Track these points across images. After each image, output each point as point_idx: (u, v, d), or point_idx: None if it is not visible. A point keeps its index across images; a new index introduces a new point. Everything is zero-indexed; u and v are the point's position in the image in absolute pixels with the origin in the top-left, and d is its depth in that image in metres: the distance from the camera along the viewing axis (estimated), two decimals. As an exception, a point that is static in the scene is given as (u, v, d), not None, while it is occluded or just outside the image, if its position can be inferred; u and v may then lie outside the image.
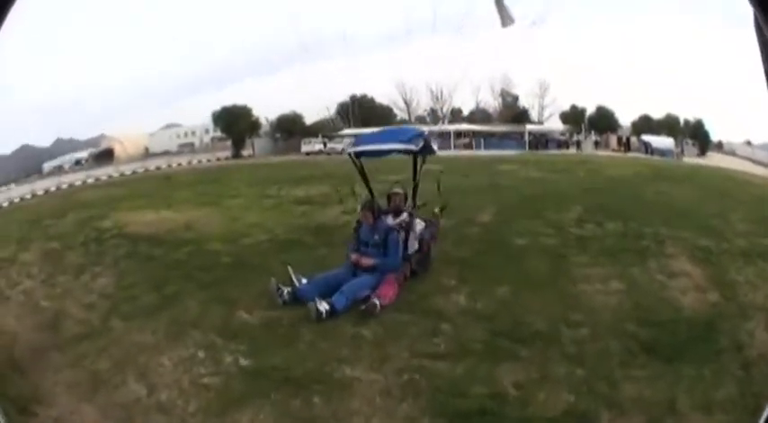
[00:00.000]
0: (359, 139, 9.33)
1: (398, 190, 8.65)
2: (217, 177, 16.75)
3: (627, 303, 7.49)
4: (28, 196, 16.21)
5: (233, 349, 6.35)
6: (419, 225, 8.34)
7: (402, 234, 8.03)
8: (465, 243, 9.60)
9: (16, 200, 15.90)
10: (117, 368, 6.18)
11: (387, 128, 9.42)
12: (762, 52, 2.99)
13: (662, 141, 16.78)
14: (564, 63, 16.02)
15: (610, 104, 17.68)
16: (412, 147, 8.52)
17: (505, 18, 10.20)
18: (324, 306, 6.83)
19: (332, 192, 11.00)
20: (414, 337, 6.41)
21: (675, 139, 16.70)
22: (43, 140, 16.95)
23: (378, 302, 6.92)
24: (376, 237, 7.89)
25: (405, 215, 8.33)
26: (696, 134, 16.51)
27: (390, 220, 8.23)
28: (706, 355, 6.19)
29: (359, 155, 8.95)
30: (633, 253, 9.15)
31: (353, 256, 7.85)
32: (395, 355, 6.04)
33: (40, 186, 16.57)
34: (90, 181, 17.24)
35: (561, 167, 16.11)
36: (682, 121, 16.56)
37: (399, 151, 8.80)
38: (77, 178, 17.08)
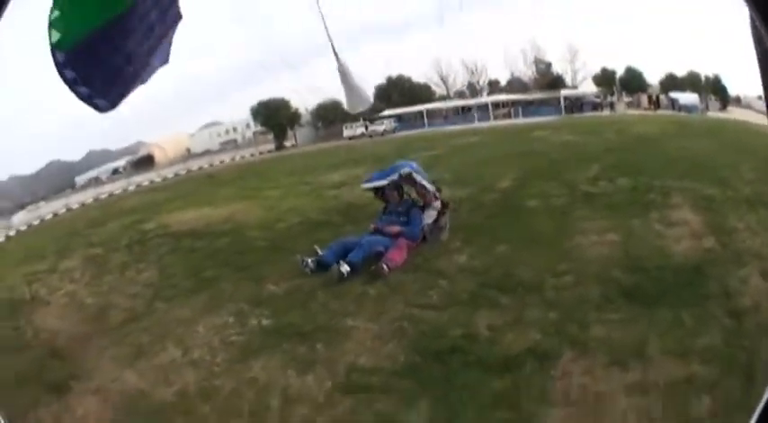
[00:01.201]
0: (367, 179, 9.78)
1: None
2: (258, 171, 17.64)
3: (618, 252, 7.72)
4: (62, 211, 16.33)
5: (258, 314, 7.23)
6: (435, 205, 9.08)
7: (420, 210, 9.00)
8: (480, 209, 10.30)
9: (48, 216, 16.13)
10: (157, 340, 7.06)
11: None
12: (758, 55, 3.27)
13: (688, 98, 16.79)
14: (590, 26, 16.08)
15: (637, 65, 17.75)
16: (384, 182, 9.17)
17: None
18: (344, 267, 7.79)
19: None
20: (412, 292, 7.19)
21: (699, 94, 16.53)
22: (73, 154, 16.96)
23: (386, 266, 7.79)
24: (400, 209, 9.02)
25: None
26: (716, 89, 16.25)
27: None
28: (689, 300, 6.17)
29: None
30: (638, 205, 9.32)
31: (380, 225, 8.86)
32: (391, 308, 6.82)
33: (74, 200, 16.70)
34: (131, 188, 17.48)
35: (592, 129, 16.29)
36: (703, 78, 16.46)
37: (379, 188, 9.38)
38: (117, 187, 17.36)
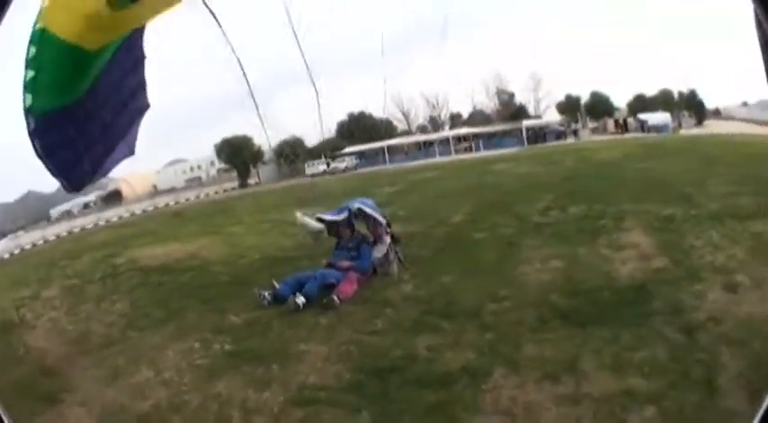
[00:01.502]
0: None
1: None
2: (222, 209, 18.15)
3: (559, 278, 8.36)
4: (40, 242, 17.38)
5: (221, 340, 8.05)
6: (385, 240, 9.81)
7: (370, 245, 9.80)
8: (430, 242, 11.18)
9: (27, 246, 17.21)
10: (132, 362, 7.87)
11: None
12: (761, 47, 3.36)
13: (658, 118, 17.81)
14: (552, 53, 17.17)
15: (603, 89, 18.89)
16: (338, 217, 9.99)
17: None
18: (300, 299, 8.61)
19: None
20: (360, 320, 7.93)
21: (672, 113, 17.46)
22: (47, 186, 17.48)
23: (336, 298, 8.51)
24: (350, 244, 9.83)
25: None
26: (691, 105, 17.21)
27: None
28: (628, 319, 6.70)
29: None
30: (586, 233, 10.10)
31: (333, 260, 9.69)
32: (340, 334, 7.59)
33: (50, 232, 17.78)
34: (101, 223, 18.58)
35: (553, 159, 17.11)
36: (676, 95, 17.43)
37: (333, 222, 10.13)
38: (88, 221, 18.34)
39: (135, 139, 9.58)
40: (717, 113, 16.99)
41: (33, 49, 7.54)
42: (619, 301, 7.35)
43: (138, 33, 8.82)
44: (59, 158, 8.26)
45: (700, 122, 17.31)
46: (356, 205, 9.90)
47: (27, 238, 17.61)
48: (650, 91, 18.18)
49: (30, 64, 7.60)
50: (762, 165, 12.11)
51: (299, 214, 10.68)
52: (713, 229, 9.19)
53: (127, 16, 7.84)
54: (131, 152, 9.58)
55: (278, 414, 6.14)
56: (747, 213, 9.41)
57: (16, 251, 17.17)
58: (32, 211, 18.34)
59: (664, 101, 17.80)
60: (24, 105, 7.75)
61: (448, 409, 5.69)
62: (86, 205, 19.46)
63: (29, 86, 7.67)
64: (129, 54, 8.89)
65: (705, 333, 6.28)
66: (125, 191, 20.09)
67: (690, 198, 10.79)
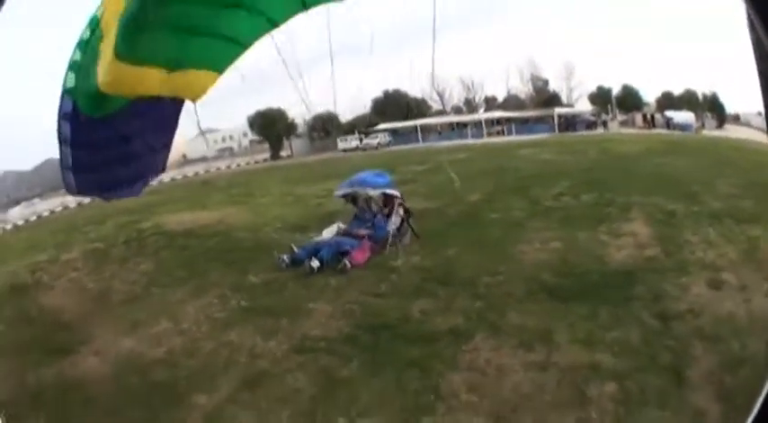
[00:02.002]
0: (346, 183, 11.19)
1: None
2: (250, 180, 18.62)
3: (555, 258, 8.93)
4: (59, 208, 17.57)
5: (238, 297, 8.97)
6: (399, 213, 10.60)
7: (385, 217, 10.56)
8: (444, 218, 11.74)
9: (45, 213, 17.50)
10: (152, 316, 8.72)
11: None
12: (754, 49, 3.30)
13: (683, 116, 17.86)
14: (587, 44, 17.35)
15: (634, 83, 19.08)
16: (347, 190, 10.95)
17: None
18: (315, 263, 9.48)
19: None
20: (366, 284, 8.76)
21: (696, 113, 17.56)
22: None
23: (348, 263, 9.36)
24: (367, 216, 10.72)
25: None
26: (713, 107, 17.27)
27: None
28: (610, 300, 7.21)
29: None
30: (591, 219, 10.50)
31: (350, 229, 10.58)
32: (347, 295, 8.49)
33: (70, 199, 17.42)
34: None
35: (577, 148, 17.37)
36: (700, 96, 17.59)
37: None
38: None
39: (143, 185, 9.76)
40: (737, 119, 16.96)
41: (87, 34, 7.38)
42: (605, 283, 7.87)
43: None
44: (78, 159, 8.21)
45: (720, 125, 17.31)
46: (361, 177, 10.81)
47: (44, 206, 17.82)
48: (677, 90, 18.29)
49: (80, 45, 7.47)
50: (768, 172, 12.34)
51: None
52: (711, 226, 9.47)
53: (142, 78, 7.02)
54: (137, 192, 9.77)
55: (280, 359, 7.01)
56: (747, 216, 9.62)
57: (32, 218, 17.46)
58: (50, 178, 17.45)
59: (689, 100, 17.82)
60: (64, 85, 7.62)
61: (427, 363, 6.46)
62: None
63: (74, 67, 7.54)
64: None
65: (682, 323, 6.68)
66: None
67: (695, 195, 11.07)
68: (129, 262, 11.70)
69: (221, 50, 7.63)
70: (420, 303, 7.87)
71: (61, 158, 8.33)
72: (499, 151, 18.70)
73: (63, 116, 7.88)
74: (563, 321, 6.97)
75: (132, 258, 11.90)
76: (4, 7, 3.53)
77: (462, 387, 6.03)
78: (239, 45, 7.76)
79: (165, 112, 8.42)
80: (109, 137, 8.10)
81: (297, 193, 15.90)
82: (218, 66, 7.82)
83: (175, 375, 6.99)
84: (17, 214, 17.37)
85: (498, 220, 11.27)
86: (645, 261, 8.57)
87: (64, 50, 7.55)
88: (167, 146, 9.50)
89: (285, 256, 9.95)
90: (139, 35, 6.53)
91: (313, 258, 9.56)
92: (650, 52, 16.79)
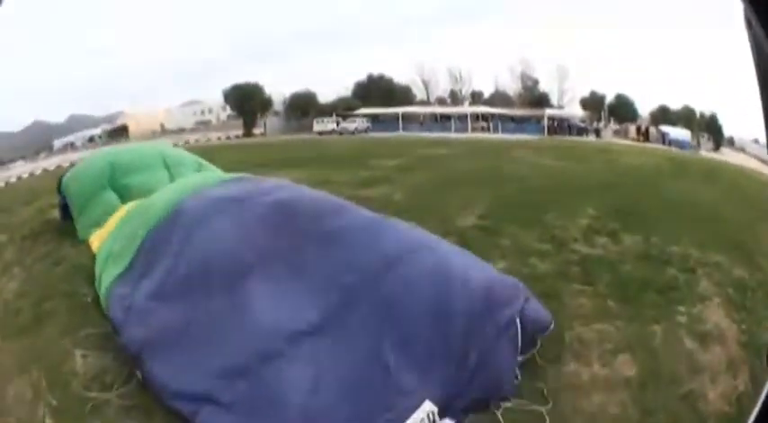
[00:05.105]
0: None
1: None
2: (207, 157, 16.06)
3: (633, 413, 5.43)
4: (38, 172, 16.19)
5: None
6: None
7: None
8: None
9: (25, 176, 16.13)
10: None
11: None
12: (752, 49, 2.94)
13: (679, 133, 16.48)
14: (583, 48, 15.78)
15: (629, 93, 17.48)
16: None
17: None
18: None
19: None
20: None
21: (692, 131, 16.40)
22: (57, 117, 17.30)
23: None
24: None
25: None
26: (710, 128, 16.15)
27: None
28: None
29: None
30: (656, 294, 7.27)
31: None
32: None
33: (50, 163, 16.52)
34: None
35: (577, 155, 15.54)
36: (697, 114, 16.22)
37: None
38: (87, 155, 16.20)
39: None
40: (731, 143, 15.89)
41: None
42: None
43: None
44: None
45: (717, 148, 16.16)
46: None
47: (18, 170, 16.48)
48: (674, 105, 16.73)
49: None
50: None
51: None
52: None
53: None
54: None
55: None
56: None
57: (12, 179, 16.01)
58: (37, 141, 17.15)
59: (685, 117, 16.52)
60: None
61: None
62: (91, 138, 18.10)
63: None
64: None
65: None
66: (132, 127, 18.73)
67: (749, 251, 8.48)
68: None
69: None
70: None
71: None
72: (488, 150, 16.44)
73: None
74: None
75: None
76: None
77: None
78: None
79: None
80: None
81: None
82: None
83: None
84: (-1, 176, 15.63)
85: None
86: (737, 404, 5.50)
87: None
88: None
89: None
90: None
91: None
92: (651, 62, 15.41)
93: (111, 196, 10.05)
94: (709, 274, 7.83)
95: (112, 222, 9.21)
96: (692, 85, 14.47)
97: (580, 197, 10.80)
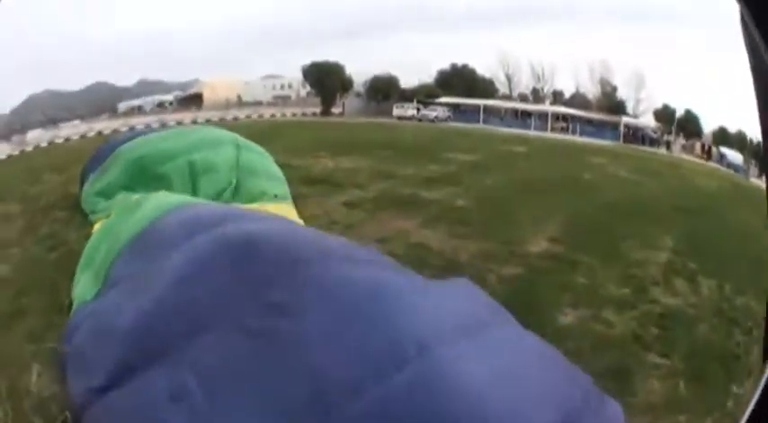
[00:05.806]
0: None
1: None
2: (272, 134, 15.54)
3: None
4: (91, 134, 15.32)
5: None
6: None
7: None
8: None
9: (75, 137, 15.28)
10: None
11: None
12: (747, 49, 2.88)
13: (735, 156, 16.34)
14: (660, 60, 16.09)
15: (697, 109, 17.44)
16: None
17: None
18: None
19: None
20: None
21: (743, 155, 16.77)
22: (124, 80, 16.13)
23: None
24: None
25: None
26: (757, 155, 16.40)
27: None
28: None
29: None
30: (720, 365, 5.84)
31: None
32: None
33: (107, 125, 15.82)
34: (171, 124, 16.36)
35: (651, 167, 15.65)
36: (748, 141, 16.44)
37: None
38: (156, 120, 16.40)
39: None
40: None
41: None
42: None
43: None
44: None
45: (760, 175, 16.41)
46: None
47: (70, 131, 15.51)
48: (732, 127, 16.86)
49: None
50: None
51: None
52: None
53: None
54: None
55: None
56: None
57: (75, 137, 15.32)
58: (97, 102, 15.92)
59: (739, 142, 16.87)
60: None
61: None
62: (161, 104, 17.33)
63: None
64: None
65: None
66: (207, 96, 18.38)
67: None
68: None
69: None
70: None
71: None
72: (565, 153, 16.85)
73: None
74: None
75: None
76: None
77: None
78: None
79: None
80: None
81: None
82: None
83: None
84: (36, 136, 14.91)
85: (576, 337, 5.91)
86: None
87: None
88: None
89: None
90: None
91: None
92: (722, 83, 15.78)
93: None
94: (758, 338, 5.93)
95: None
96: (748, 110, 14.74)
97: (658, 222, 9.92)
